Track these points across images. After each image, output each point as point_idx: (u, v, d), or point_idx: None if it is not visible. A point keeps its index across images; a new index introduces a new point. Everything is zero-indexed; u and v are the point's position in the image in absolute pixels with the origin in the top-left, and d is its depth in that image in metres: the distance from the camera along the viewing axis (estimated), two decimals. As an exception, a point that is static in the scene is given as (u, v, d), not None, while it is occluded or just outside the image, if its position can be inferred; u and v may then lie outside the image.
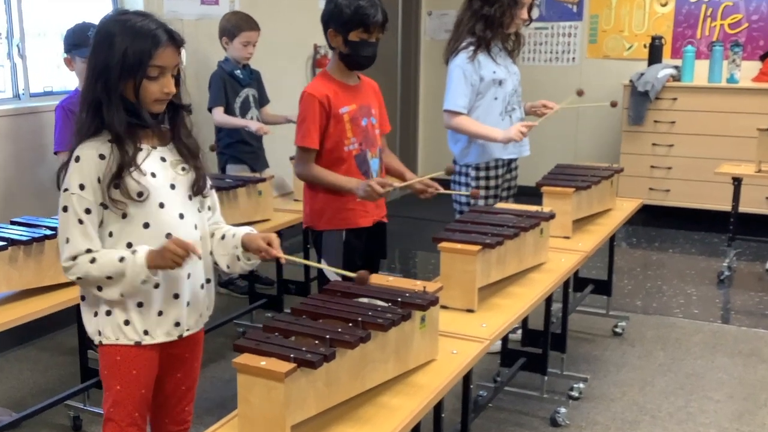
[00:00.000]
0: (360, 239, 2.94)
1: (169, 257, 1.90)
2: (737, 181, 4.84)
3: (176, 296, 2.02)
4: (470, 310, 2.50)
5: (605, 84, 6.66)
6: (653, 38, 6.25)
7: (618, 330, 4.01)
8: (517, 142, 3.52)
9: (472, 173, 3.68)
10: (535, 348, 3.29)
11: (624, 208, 3.85)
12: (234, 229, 2.13)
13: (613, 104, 3.93)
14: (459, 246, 2.50)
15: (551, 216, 2.91)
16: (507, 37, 3.69)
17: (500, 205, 3.14)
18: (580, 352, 3.79)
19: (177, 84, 2.00)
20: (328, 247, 2.92)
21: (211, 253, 2.11)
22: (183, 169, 2.06)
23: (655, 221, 5.98)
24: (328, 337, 1.75)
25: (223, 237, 2.12)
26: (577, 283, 3.98)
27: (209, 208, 2.15)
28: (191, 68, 4.78)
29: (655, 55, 6.24)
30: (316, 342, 1.74)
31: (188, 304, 2.07)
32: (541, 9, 6.83)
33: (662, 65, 6.12)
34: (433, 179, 2.85)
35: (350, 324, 1.84)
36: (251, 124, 4.27)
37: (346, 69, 2.88)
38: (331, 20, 2.81)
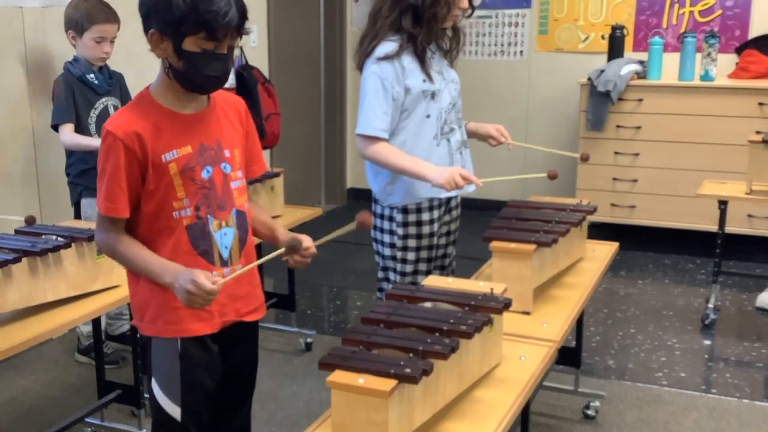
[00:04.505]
0: (208, 349, 1.91)
1: None
2: (723, 204, 3.97)
3: None
4: (382, 484, 1.54)
5: (558, 82, 5.78)
6: (613, 28, 5.37)
7: (590, 412, 3.10)
8: (446, 191, 2.55)
9: (398, 217, 2.71)
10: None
11: (597, 257, 2.94)
12: None
13: (584, 158, 2.97)
14: (362, 383, 1.53)
15: (507, 305, 1.96)
16: (442, 33, 2.73)
17: (432, 281, 2.16)
18: (544, 450, 2.88)
19: None
20: (158, 362, 1.90)
21: None
22: None
23: (619, 242, 5.09)
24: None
25: None
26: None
27: None
28: (36, 72, 3.71)
29: (615, 47, 5.35)
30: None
31: None
32: (484, -6, 5.89)
33: (625, 60, 5.23)
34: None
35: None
36: None
37: (179, 88, 1.84)
38: (153, 16, 1.76)
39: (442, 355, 1.64)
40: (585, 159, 2.96)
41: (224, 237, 1.89)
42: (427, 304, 1.92)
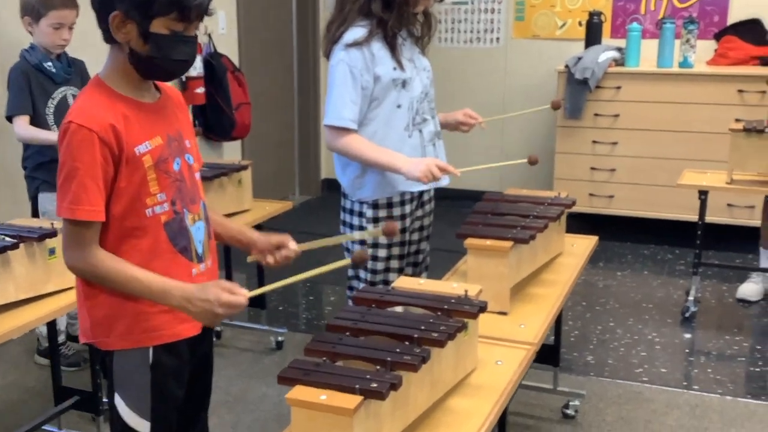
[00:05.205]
0: (180, 356, 1.79)
1: None
2: (704, 194, 3.89)
3: None
4: (347, 508, 1.42)
5: (535, 70, 5.68)
6: (590, 14, 5.26)
7: (569, 412, 3.00)
8: (422, 184, 2.45)
9: (368, 212, 2.59)
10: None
11: (576, 251, 2.83)
12: None
13: (556, 106, 2.86)
14: (325, 400, 1.41)
15: (482, 308, 1.84)
16: (413, 19, 2.60)
17: (403, 283, 2.04)
18: (522, 453, 2.78)
19: None
20: (124, 375, 1.76)
21: None
22: None
23: (597, 233, 5.00)
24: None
25: None
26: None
27: None
28: (-8, 59, 3.54)
29: (593, 34, 5.25)
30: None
31: None
32: (459, -20, 5.76)
33: (602, 47, 5.13)
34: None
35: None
36: None
37: (136, 76, 1.71)
38: None
39: (411, 367, 1.53)
40: (556, 107, 2.83)
41: (198, 231, 1.79)
42: (398, 309, 1.80)
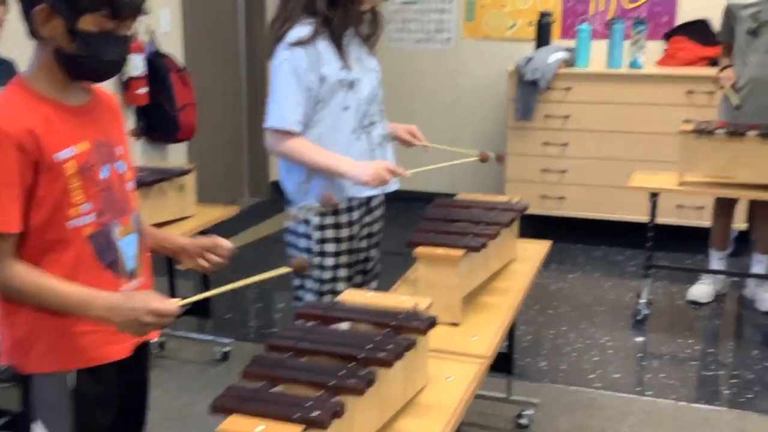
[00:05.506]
0: (107, 381, 1.67)
1: None
2: (655, 196, 3.86)
3: None
4: None
5: (486, 70, 5.63)
6: (541, 14, 5.23)
7: (523, 422, 2.94)
8: (373, 187, 2.36)
9: (315, 219, 2.49)
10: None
11: (528, 256, 2.75)
12: None
13: (484, 158, 2.67)
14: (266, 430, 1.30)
15: (432, 324, 1.75)
16: (360, 18, 2.50)
17: (350, 296, 1.94)
18: (474, 466, 2.70)
19: None
20: (43, 402, 1.64)
21: None
22: None
23: (548, 235, 4.97)
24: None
25: None
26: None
27: None
28: None
29: (543, 35, 5.22)
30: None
31: None
32: (409, -21, 5.68)
33: (553, 47, 5.10)
34: None
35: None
36: None
37: (63, 76, 1.58)
38: None
39: (356, 391, 1.43)
40: (484, 159, 2.68)
41: (128, 245, 1.66)
42: (343, 325, 1.70)
